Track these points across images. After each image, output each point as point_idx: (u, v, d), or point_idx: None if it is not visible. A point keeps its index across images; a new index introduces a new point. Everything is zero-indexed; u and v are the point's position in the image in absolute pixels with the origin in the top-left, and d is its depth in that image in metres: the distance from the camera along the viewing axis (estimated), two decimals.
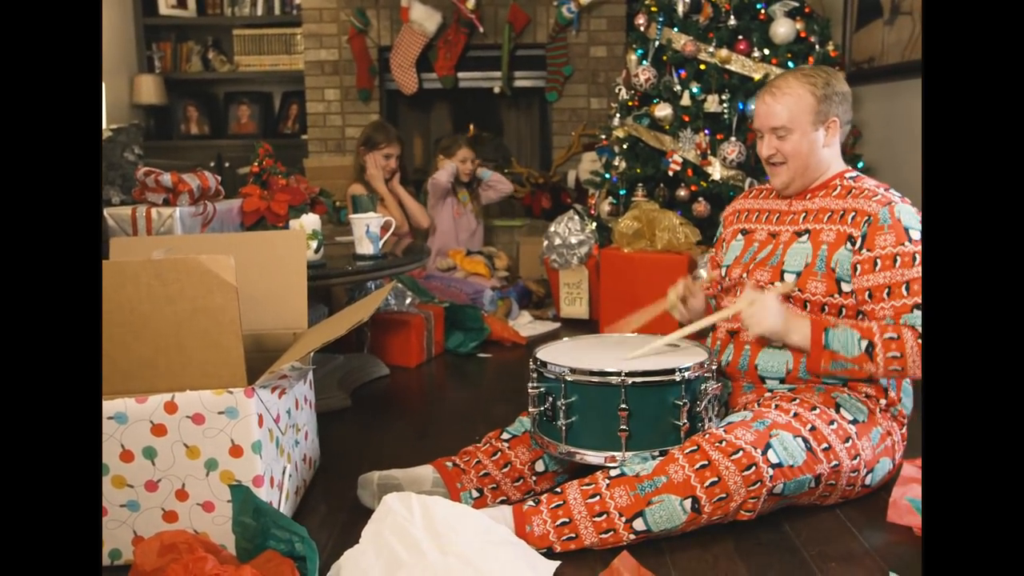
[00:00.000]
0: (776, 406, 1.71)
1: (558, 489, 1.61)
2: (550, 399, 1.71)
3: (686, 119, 3.35)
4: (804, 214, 1.86)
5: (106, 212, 2.34)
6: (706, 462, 1.55)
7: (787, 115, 1.82)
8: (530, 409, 1.77)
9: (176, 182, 2.37)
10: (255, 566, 1.39)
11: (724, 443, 1.57)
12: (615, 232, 3.29)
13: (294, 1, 5.27)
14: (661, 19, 3.44)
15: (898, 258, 1.68)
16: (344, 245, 2.80)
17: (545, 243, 3.63)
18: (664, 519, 1.55)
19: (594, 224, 3.58)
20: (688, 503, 1.54)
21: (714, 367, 1.71)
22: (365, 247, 2.53)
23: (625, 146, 3.53)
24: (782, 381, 1.81)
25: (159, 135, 5.47)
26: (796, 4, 3.34)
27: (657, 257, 3.14)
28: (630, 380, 1.63)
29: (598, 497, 1.56)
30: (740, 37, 3.32)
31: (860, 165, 3.23)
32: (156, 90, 5.35)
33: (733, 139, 3.25)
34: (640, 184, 3.44)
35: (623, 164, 3.52)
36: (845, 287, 1.74)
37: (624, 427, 1.64)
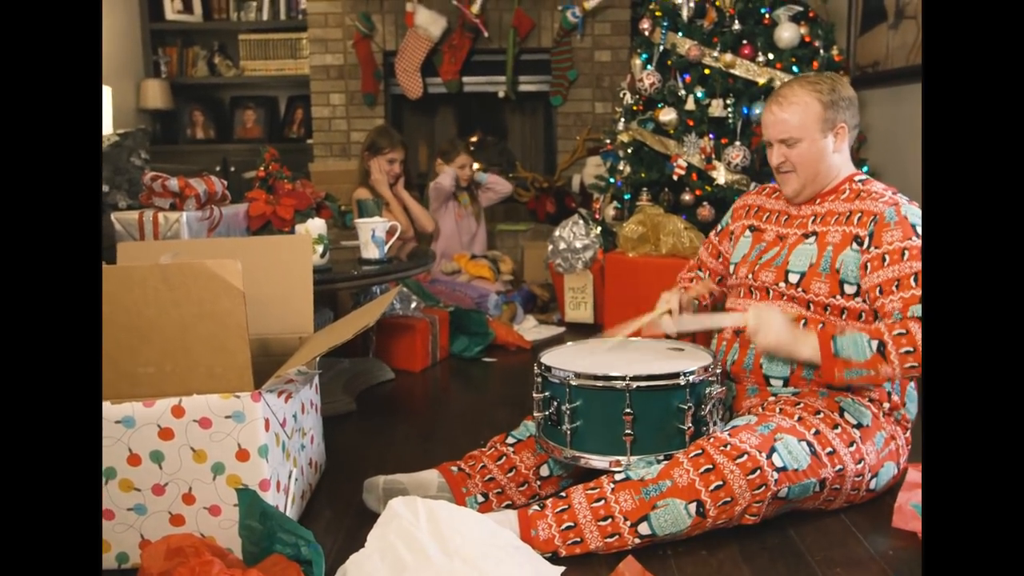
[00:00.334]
0: (780, 410, 1.72)
1: (563, 493, 1.62)
2: (555, 403, 1.71)
3: (690, 123, 3.36)
4: (813, 217, 1.87)
5: (113, 216, 2.36)
6: (711, 466, 1.56)
7: (795, 124, 1.83)
8: (535, 413, 1.77)
9: (183, 187, 2.38)
10: (262, 570, 1.40)
11: (729, 447, 1.58)
12: (620, 236, 3.30)
13: (299, 6, 5.29)
14: (665, 24, 3.45)
15: (906, 251, 1.68)
16: (349, 249, 2.82)
17: (550, 247, 3.64)
18: (669, 523, 1.55)
19: (599, 228, 3.58)
20: (693, 507, 1.55)
21: (718, 371, 1.72)
22: (371, 251, 2.54)
23: (630, 150, 3.53)
24: (786, 383, 1.81)
25: (165, 139, 5.49)
26: (800, 9, 3.34)
27: (661, 261, 3.15)
28: (635, 384, 1.64)
29: (603, 501, 1.57)
30: (744, 42, 3.32)
31: (865, 169, 3.23)
32: (162, 95, 5.38)
33: (737, 143, 3.26)
34: (644, 188, 3.45)
35: (628, 168, 3.52)
36: (848, 288, 1.74)
37: (629, 431, 1.64)
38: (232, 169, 5.31)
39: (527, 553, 1.53)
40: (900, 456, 1.79)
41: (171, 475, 1.53)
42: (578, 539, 1.56)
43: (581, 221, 3.59)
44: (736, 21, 3.34)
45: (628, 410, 1.64)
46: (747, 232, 1.98)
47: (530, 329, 3.52)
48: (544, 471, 1.81)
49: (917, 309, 1.65)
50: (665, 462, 1.60)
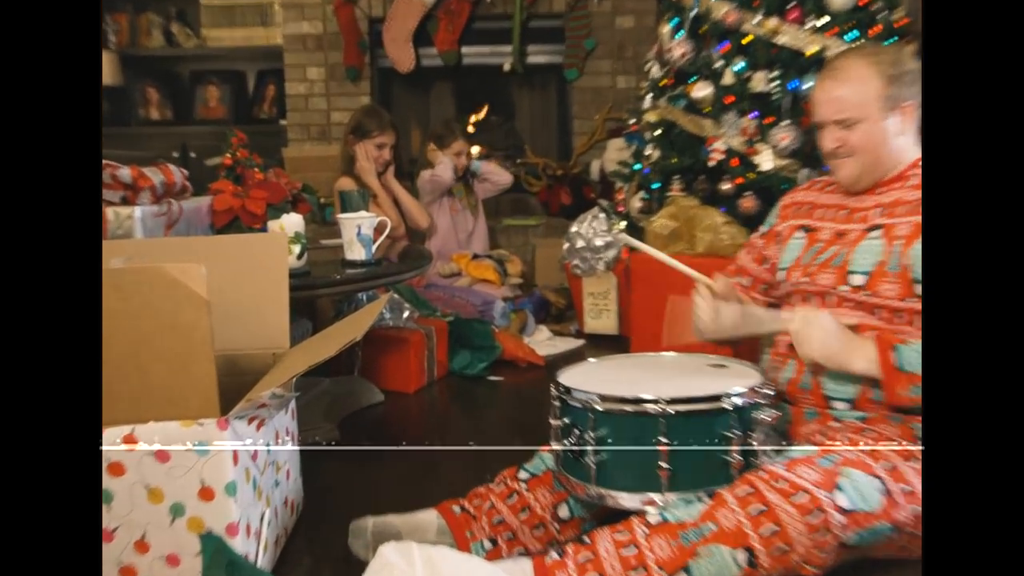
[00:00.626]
0: (845, 439, 1.68)
1: (586, 539, 1.59)
2: (576, 432, 1.69)
3: (729, 100, 3.34)
4: (877, 209, 1.84)
5: None
6: (763, 506, 1.53)
7: (852, 103, 1.80)
8: (552, 444, 1.75)
9: (136, 177, 2.39)
10: None
11: (784, 483, 1.54)
12: (648, 233, 3.28)
13: None
14: None
15: None
16: (331, 249, 2.82)
17: (565, 246, 3.56)
18: (713, 575, 1.52)
19: (623, 223, 3.56)
20: (742, 555, 1.51)
21: (770, 392, 1.69)
22: (356, 252, 2.53)
23: (658, 132, 3.52)
24: (852, 405, 1.78)
25: (113, 121, 5.51)
26: None
27: (698, 262, 3.08)
28: (671, 408, 1.61)
29: (635, 549, 1.54)
30: (791, 4, 3.30)
31: None
32: (110, 69, 5.39)
33: (785, 122, 3.23)
34: (676, 176, 3.43)
35: (656, 153, 3.51)
36: (920, 290, 1.71)
37: (665, 464, 1.61)
38: (192, 156, 5.33)
39: None
40: None
41: (121, 518, 1.53)
42: None
43: (602, 215, 3.55)
44: None
45: (664, 439, 1.61)
46: (798, 233, 1.96)
47: (543, 342, 3.52)
48: (563, 512, 1.78)
49: None
50: (708, 501, 1.57)
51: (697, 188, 3.39)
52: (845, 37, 3.22)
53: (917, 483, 1.63)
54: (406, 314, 3.13)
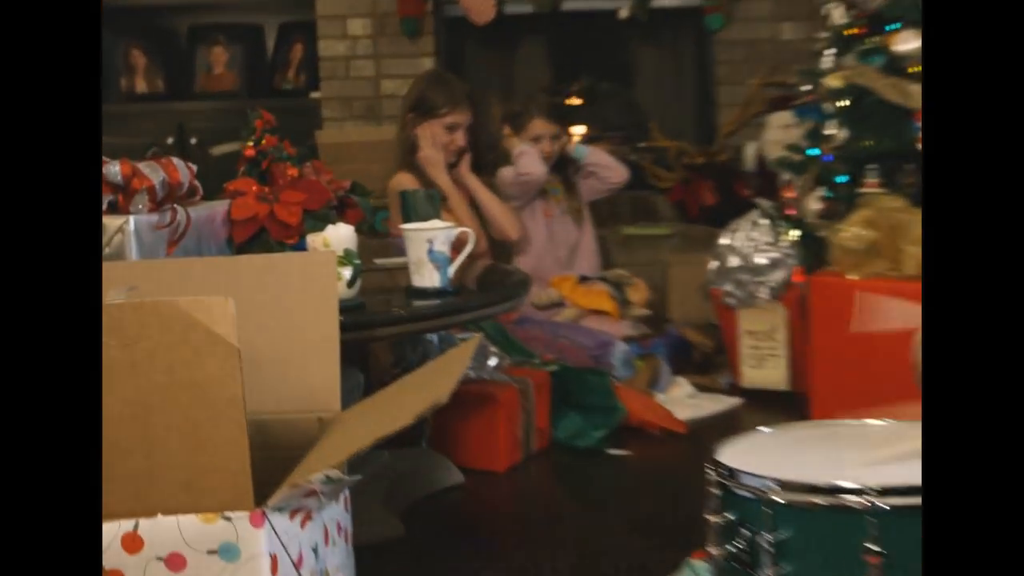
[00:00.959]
0: None
1: None
2: (746, 533, 1.68)
3: None
4: None
5: None
6: None
7: None
8: (710, 549, 1.74)
9: (129, 175, 2.42)
10: None
11: None
12: (833, 247, 3.25)
13: None
14: None
15: None
16: (387, 272, 2.83)
17: (713, 264, 3.60)
18: None
19: (795, 233, 3.54)
20: None
21: None
22: (427, 276, 2.54)
23: (844, 103, 3.48)
24: None
25: None
26: None
27: (908, 288, 3.07)
28: (883, 501, 1.59)
29: None
30: None
31: None
32: None
33: None
34: (872, 166, 3.39)
35: (842, 133, 3.47)
36: None
37: None
38: (193, 141, 5.44)
39: None
40: None
41: None
42: None
43: (764, 221, 3.55)
44: None
45: (873, 546, 1.59)
46: None
47: (683, 400, 3.49)
48: None
49: None
50: None
51: (903, 183, 3.35)
52: None
53: None
54: (492, 362, 3.13)
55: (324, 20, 5.06)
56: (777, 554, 1.64)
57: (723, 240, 3.59)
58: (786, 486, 1.63)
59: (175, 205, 2.50)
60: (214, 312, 1.58)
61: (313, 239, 2.44)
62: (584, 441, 3.10)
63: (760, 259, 3.50)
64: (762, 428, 1.92)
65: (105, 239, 2.41)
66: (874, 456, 1.74)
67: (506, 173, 3.99)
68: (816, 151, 3.58)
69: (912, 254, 3.11)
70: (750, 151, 4.60)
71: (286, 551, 1.60)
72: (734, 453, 1.78)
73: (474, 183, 3.77)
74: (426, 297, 2.52)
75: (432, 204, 2.87)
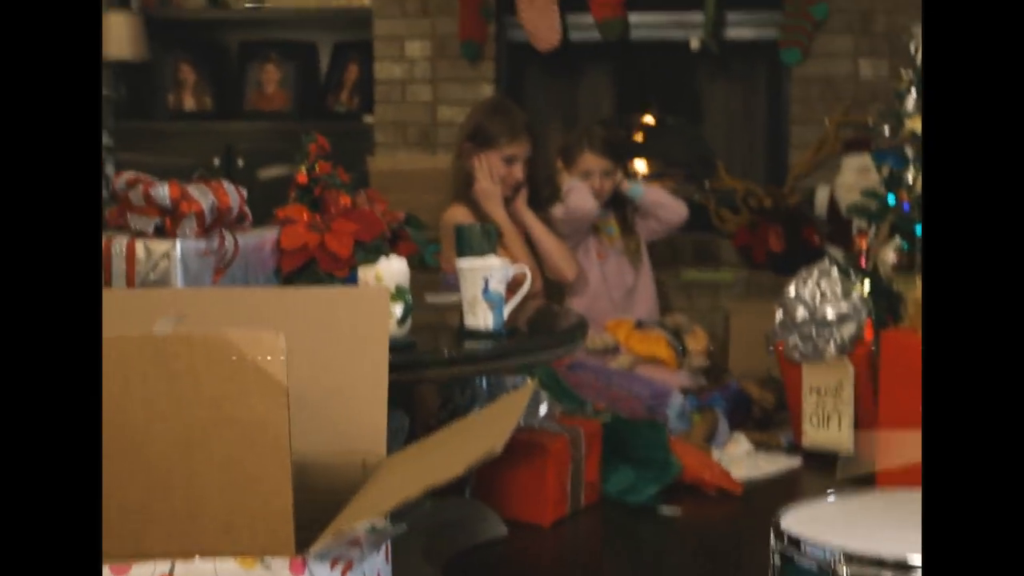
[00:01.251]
0: None
1: None
2: None
3: None
4: None
5: None
6: None
7: None
8: None
9: (177, 198, 2.43)
10: None
11: None
12: (908, 301, 3.23)
13: None
14: None
15: None
16: (438, 310, 2.82)
17: (778, 315, 3.56)
18: None
19: (866, 284, 3.49)
20: None
21: None
22: (480, 316, 2.53)
23: None
24: None
25: (134, 111, 5.70)
26: None
27: None
28: None
29: None
30: None
31: None
32: (131, 38, 5.54)
33: None
34: None
35: (921, 179, 3.43)
36: None
37: None
38: (239, 163, 5.47)
39: None
40: None
41: None
42: None
43: (834, 271, 3.51)
44: None
45: None
46: None
47: (741, 458, 3.45)
48: None
49: None
50: None
51: None
52: None
53: None
54: (543, 409, 3.11)
55: (381, 41, 5.08)
56: None
57: (789, 290, 3.55)
58: (852, 558, 1.62)
59: (223, 231, 2.51)
60: (264, 347, 1.57)
61: (365, 272, 2.44)
62: (635, 497, 3.07)
63: (829, 312, 3.46)
64: (829, 495, 1.90)
65: (151, 264, 2.42)
66: None
67: (557, 210, 3.98)
68: (893, 198, 3.55)
69: None
70: (822, 195, 4.59)
71: None
72: (797, 519, 1.76)
73: (530, 219, 3.76)
74: (478, 338, 2.51)
75: (488, 240, 2.85)
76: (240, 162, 5.48)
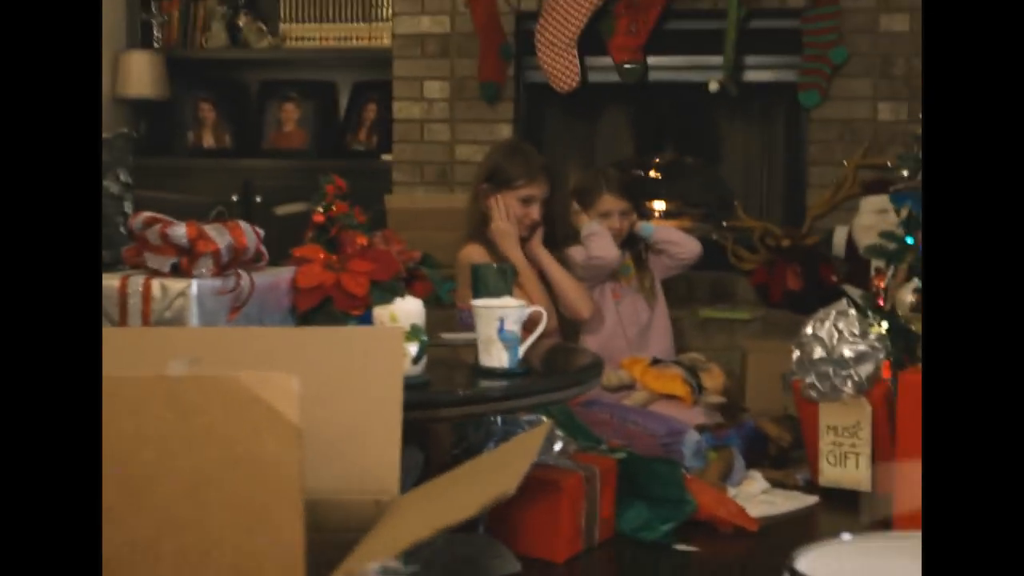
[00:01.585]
0: None
1: None
2: None
3: None
4: None
5: None
6: None
7: None
8: None
9: (194, 238, 2.46)
10: None
11: None
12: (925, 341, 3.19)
13: None
14: None
15: None
16: (453, 349, 2.83)
17: (795, 354, 3.55)
18: None
19: (884, 325, 3.50)
20: None
21: None
22: (495, 356, 2.55)
23: None
24: None
25: (154, 149, 5.73)
26: None
27: None
28: None
29: None
30: None
31: None
32: (153, 76, 5.62)
33: None
34: None
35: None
36: None
37: None
38: (258, 200, 5.50)
39: None
40: None
41: None
42: None
43: (852, 311, 3.51)
44: None
45: None
46: None
47: (757, 497, 3.43)
48: None
49: None
50: None
51: None
52: None
53: None
54: (558, 446, 3.10)
55: (400, 81, 5.09)
56: None
57: (807, 329, 3.55)
58: None
59: (239, 270, 2.53)
60: (277, 390, 1.59)
61: (380, 312, 2.45)
62: (650, 534, 3.05)
63: (846, 351, 3.46)
64: (844, 536, 1.89)
65: (167, 302, 2.44)
66: None
67: (576, 254, 3.95)
68: (912, 240, 3.56)
69: None
70: (840, 236, 4.56)
71: None
72: (815, 561, 1.73)
73: (546, 258, 3.77)
74: (493, 377, 2.52)
75: (504, 280, 2.87)
76: (258, 199, 5.50)
